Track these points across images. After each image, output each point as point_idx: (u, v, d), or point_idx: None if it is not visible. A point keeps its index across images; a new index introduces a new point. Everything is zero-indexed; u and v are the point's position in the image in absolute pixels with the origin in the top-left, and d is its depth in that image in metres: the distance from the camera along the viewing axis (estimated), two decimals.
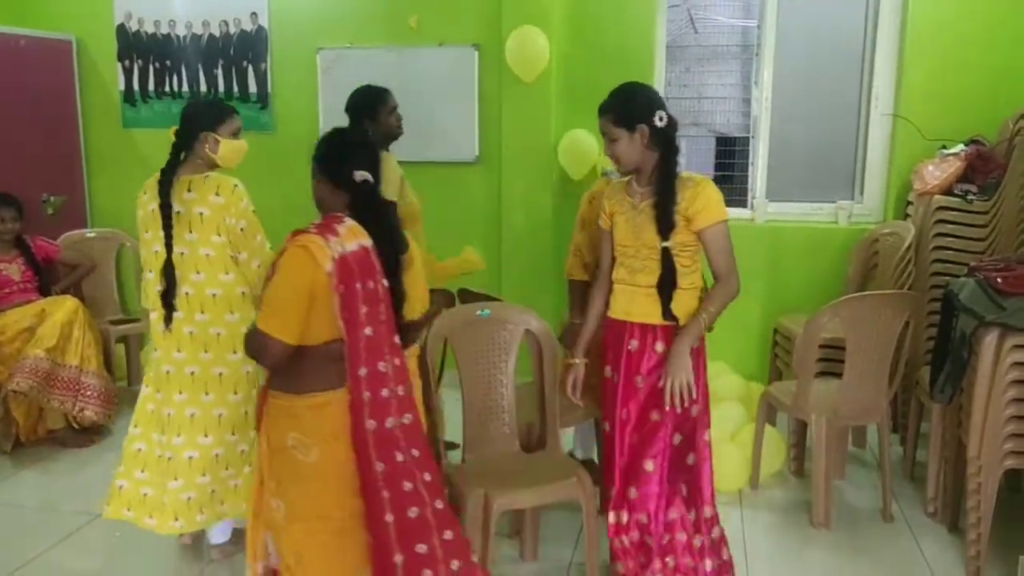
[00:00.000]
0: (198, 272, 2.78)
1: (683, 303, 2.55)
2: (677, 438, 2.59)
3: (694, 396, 2.52)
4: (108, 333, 4.58)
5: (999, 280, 2.83)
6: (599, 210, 2.79)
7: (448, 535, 2.16)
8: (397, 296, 2.18)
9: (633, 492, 2.60)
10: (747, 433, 3.67)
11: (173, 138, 2.84)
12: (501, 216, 4.77)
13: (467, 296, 3.49)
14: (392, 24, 4.85)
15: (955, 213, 3.85)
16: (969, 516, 2.95)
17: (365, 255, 2.08)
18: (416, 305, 2.40)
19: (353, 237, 2.07)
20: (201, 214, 2.75)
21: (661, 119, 2.48)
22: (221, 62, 5.15)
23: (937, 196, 3.91)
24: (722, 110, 9.65)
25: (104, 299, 4.86)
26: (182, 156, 2.83)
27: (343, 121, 4.12)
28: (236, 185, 2.81)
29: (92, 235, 4.96)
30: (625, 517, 2.63)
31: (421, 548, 2.09)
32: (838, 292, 4.13)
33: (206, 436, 2.85)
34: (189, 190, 2.76)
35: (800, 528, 3.35)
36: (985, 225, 3.78)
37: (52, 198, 5.15)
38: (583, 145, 4.56)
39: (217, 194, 2.75)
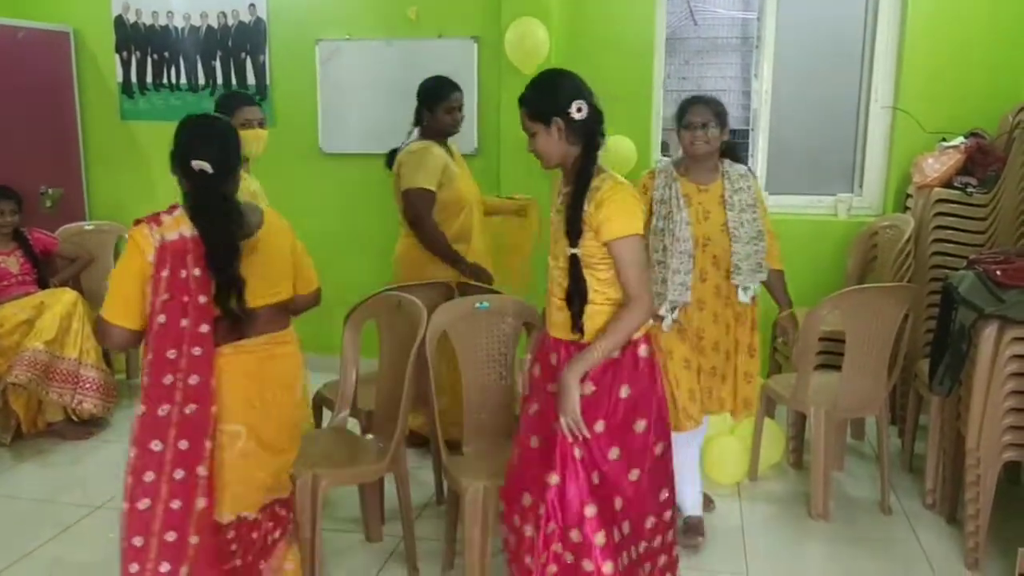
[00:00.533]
0: None
1: (595, 321, 2.26)
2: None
3: (585, 435, 2.21)
4: None
5: (998, 272, 2.84)
6: None
7: (193, 540, 2.10)
8: (224, 285, 2.12)
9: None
10: (746, 426, 3.67)
11: None
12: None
13: (466, 289, 3.49)
14: (391, 16, 4.83)
15: (954, 206, 3.84)
16: (968, 508, 2.96)
17: (183, 244, 2.10)
18: (263, 291, 2.24)
19: (176, 226, 2.11)
20: None
21: (580, 110, 2.25)
22: (219, 54, 5.14)
23: (937, 189, 3.90)
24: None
25: (103, 292, 4.84)
26: None
27: (341, 113, 4.11)
28: None
29: (90, 228, 4.95)
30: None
31: (137, 541, 2.08)
32: (837, 285, 4.13)
33: None
34: None
35: (799, 520, 3.36)
36: (984, 218, 3.78)
37: (50, 191, 5.14)
38: None
39: None
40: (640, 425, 2.30)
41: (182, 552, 2.10)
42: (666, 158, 3.50)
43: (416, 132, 3.72)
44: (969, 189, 3.82)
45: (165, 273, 2.08)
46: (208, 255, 2.10)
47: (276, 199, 3.58)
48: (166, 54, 5.22)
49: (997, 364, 2.80)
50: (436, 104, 3.65)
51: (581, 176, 2.27)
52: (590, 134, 2.30)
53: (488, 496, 2.60)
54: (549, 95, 2.29)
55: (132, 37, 5.25)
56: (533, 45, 4.42)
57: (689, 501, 3.14)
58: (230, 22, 5.08)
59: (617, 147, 4.58)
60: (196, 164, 2.14)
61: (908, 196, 4.26)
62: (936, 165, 3.95)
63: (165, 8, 5.15)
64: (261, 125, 3.38)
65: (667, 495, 2.41)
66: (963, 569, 2.97)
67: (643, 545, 2.35)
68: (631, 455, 2.29)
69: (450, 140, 3.79)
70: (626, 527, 2.31)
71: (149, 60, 5.26)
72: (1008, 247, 3.45)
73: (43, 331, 3.96)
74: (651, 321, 2.40)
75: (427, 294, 3.21)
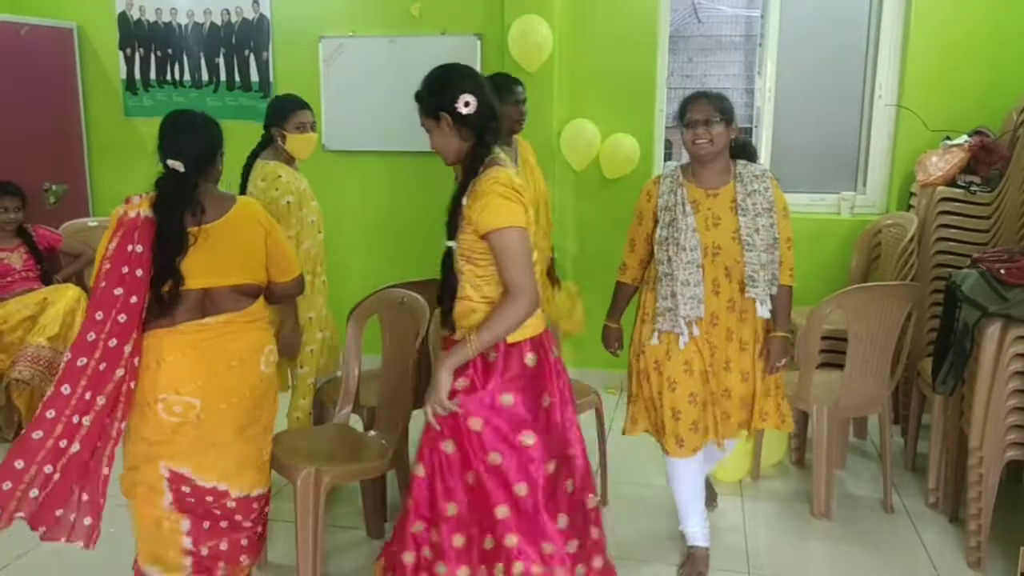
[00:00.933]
0: None
1: (468, 319, 2.24)
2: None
3: (453, 409, 2.19)
4: None
5: (1002, 271, 2.83)
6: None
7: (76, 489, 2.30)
8: (161, 270, 2.29)
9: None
10: None
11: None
12: None
13: None
14: (394, 13, 4.83)
15: (958, 204, 3.84)
16: (970, 507, 2.95)
17: (136, 222, 2.30)
18: (212, 274, 2.38)
19: (138, 206, 2.32)
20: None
21: (467, 104, 2.18)
22: (223, 51, 5.14)
23: (940, 187, 3.89)
24: None
25: None
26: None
27: (344, 110, 4.10)
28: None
29: (94, 224, 4.94)
30: None
31: (18, 464, 2.23)
32: (841, 283, 4.12)
33: None
34: None
35: (801, 518, 3.36)
36: (988, 216, 3.77)
37: (54, 187, 5.14)
38: (586, 135, 4.55)
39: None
40: (528, 438, 2.22)
41: (48, 484, 2.26)
42: (672, 163, 3.39)
43: None
44: (973, 187, 3.81)
45: (113, 245, 2.29)
46: (156, 239, 2.29)
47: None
48: (170, 51, 5.22)
49: (1000, 363, 2.80)
50: (500, 99, 3.50)
51: (466, 171, 2.24)
52: (480, 128, 2.23)
53: None
54: (435, 91, 2.24)
55: (136, 34, 5.25)
56: (536, 42, 4.41)
57: (691, 530, 2.96)
58: (233, 19, 5.08)
59: (620, 145, 4.59)
60: (170, 163, 2.34)
61: (912, 194, 4.25)
62: (940, 163, 3.94)
63: (169, 5, 5.15)
64: (312, 128, 3.40)
65: (568, 522, 2.29)
66: (965, 568, 2.97)
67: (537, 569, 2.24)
68: (516, 467, 2.21)
69: (518, 140, 3.63)
70: (511, 540, 2.21)
71: (153, 57, 5.27)
72: (1012, 246, 3.44)
73: (46, 327, 3.97)
74: (541, 327, 2.30)
75: (430, 291, 3.21)
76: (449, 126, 2.22)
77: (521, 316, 2.17)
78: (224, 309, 2.40)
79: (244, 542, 2.52)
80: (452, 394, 2.20)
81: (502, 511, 2.21)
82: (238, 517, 2.48)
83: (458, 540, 2.23)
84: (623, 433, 3.00)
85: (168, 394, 2.32)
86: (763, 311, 2.75)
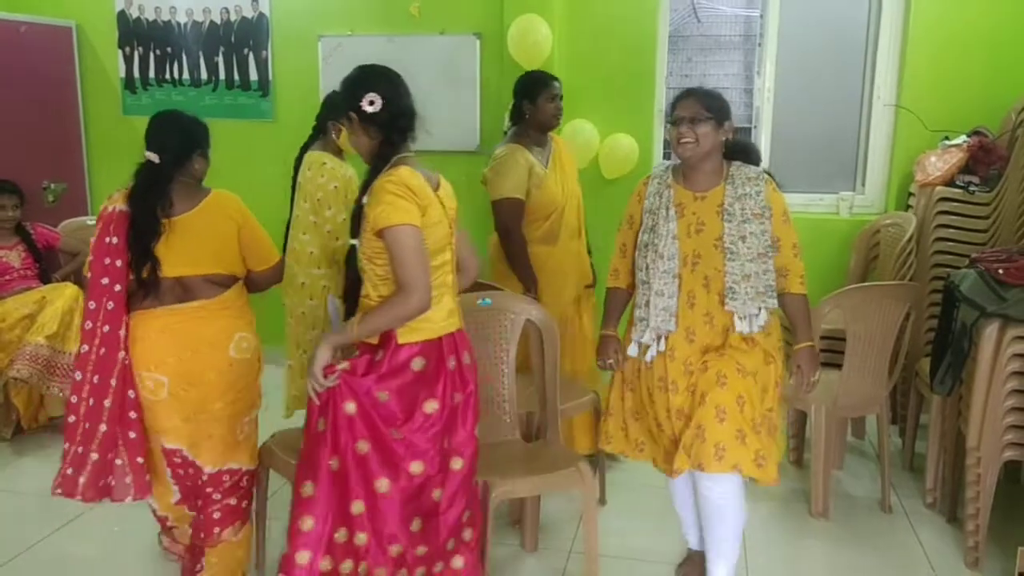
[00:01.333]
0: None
1: None
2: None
3: (322, 384, 2.20)
4: None
5: (1000, 271, 2.83)
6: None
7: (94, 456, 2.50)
8: (137, 256, 2.45)
9: None
10: None
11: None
12: None
13: None
14: (393, 12, 4.83)
15: (957, 204, 3.84)
16: (968, 507, 2.95)
17: (110, 216, 2.48)
18: (184, 263, 2.51)
19: (115, 201, 2.50)
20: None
21: (371, 103, 2.22)
22: (222, 49, 5.14)
23: (939, 187, 3.90)
24: None
25: None
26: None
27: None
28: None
29: (92, 223, 4.92)
30: None
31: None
32: (839, 283, 4.13)
33: None
34: None
35: (799, 518, 3.36)
36: (987, 217, 3.78)
37: (52, 185, 5.14)
38: (584, 135, 4.55)
39: None
40: (396, 434, 2.23)
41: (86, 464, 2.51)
42: (664, 163, 3.32)
43: (511, 132, 3.61)
44: (971, 188, 3.82)
45: (94, 238, 2.49)
46: (130, 229, 2.45)
47: (279, 195, 3.60)
48: (169, 49, 5.22)
49: (998, 363, 2.80)
50: (538, 93, 3.50)
51: (371, 170, 2.27)
52: (388, 127, 2.26)
53: (487, 492, 2.60)
54: (345, 91, 2.31)
55: (135, 32, 5.25)
56: (535, 42, 4.41)
57: (688, 535, 2.91)
58: (232, 18, 5.08)
59: (619, 145, 4.59)
60: (147, 155, 2.53)
61: (910, 194, 4.25)
62: (939, 163, 3.95)
63: (168, 3, 5.15)
64: None
65: (422, 527, 2.30)
66: (963, 568, 2.97)
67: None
68: (381, 462, 2.23)
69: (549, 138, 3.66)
70: (361, 538, 2.24)
71: (152, 55, 5.26)
72: (1010, 246, 3.44)
73: (45, 326, 3.96)
74: (441, 331, 2.28)
75: None
76: (357, 125, 2.27)
77: (406, 313, 2.17)
78: (198, 297, 2.54)
79: (216, 515, 2.62)
80: (331, 371, 2.21)
81: (357, 507, 2.24)
82: (208, 490, 2.61)
83: (306, 523, 2.22)
84: (599, 445, 2.89)
85: (142, 371, 2.50)
86: (742, 326, 2.50)
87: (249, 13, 5.04)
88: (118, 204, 2.49)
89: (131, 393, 2.50)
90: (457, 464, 2.32)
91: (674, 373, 2.54)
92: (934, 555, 3.06)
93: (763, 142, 4.68)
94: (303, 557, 2.21)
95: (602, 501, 3.43)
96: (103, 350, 2.46)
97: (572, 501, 3.34)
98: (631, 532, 3.23)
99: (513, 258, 3.53)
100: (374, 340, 2.25)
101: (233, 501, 2.66)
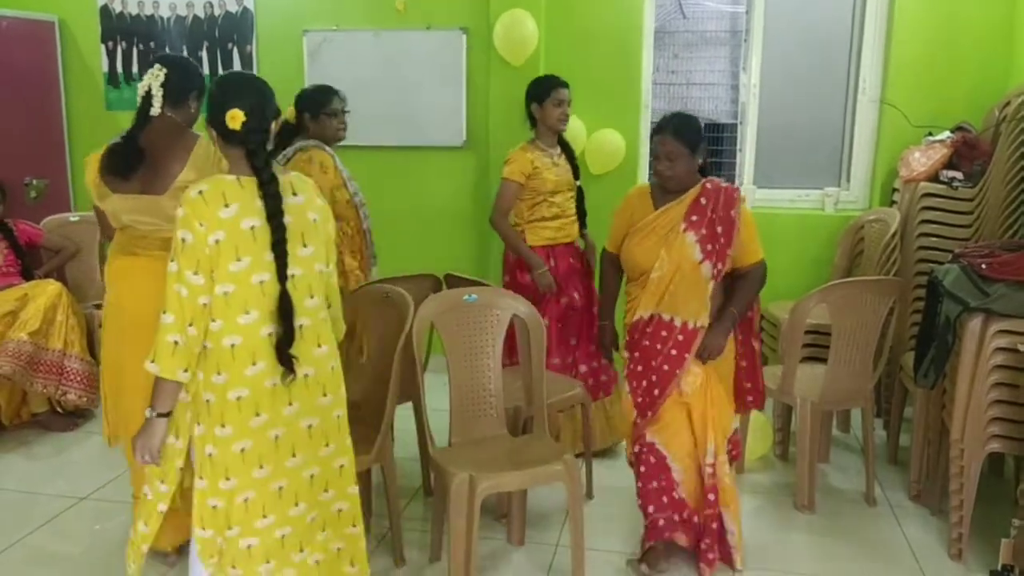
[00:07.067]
0: (312, 296, 2.23)
1: None
2: None
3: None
4: (91, 317, 4.53)
5: (983, 266, 2.85)
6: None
7: None
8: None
9: None
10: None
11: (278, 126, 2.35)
12: (489, 201, 4.74)
13: (454, 281, 3.48)
14: (379, 7, 4.81)
15: (941, 200, 3.86)
16: (952, 499, 2.98)
17: None
18: None
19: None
20: (314, 221, 2.24)
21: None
22: (206, 44, 5.10)
23: (923, 183, 3.92)
24: (710, 96, 9.64)
25: (87, 283, 4.81)
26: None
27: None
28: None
29: (75, 219, 4.90)
30: None
31: None
32: (824, 278, 4.15)
33: (326, 491, 2.34)
34: (294, 193, 2.21)
35: (784, 511, 3.37)
36: (970, 212, 3.80)
37: (35, 181, 5.09)
38: (571, 131, 4.52)
39: (318, 196, 2.30)
40: None
41: None
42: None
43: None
44: (955, 183, 3.84)
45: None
46: None
47: None
48: (152, 44, 5.18)
49: (981, 357, 2.82)
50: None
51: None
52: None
53: (474, 486, 2.60)
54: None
55: (118, 27, 5.21)
56: (522, 37, 4.41)
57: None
58: (216, 12, 5.04)
59: (606, 141, 4.59)
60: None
61: (895, 190, 4.27)
62: (923, 159, 3.97)
63: None
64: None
65: None
66: (947, 560, 2.99)
67: None
68: None
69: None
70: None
71: (135, 50, 5.22)
72: (993, 241, 3.47)
73: (27, 323, 3.92)
74: None
75: (415, 286, 3.21)
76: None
77: None
78: None
79: None
80: None
81: None
82: None
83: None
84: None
85: None
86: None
87: (233, 8, 5.01)
88: None
89: None
90: None
91: None
92: (918, 547, 3.09)
93: (748, 138, 4.70)
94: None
95: (589, 495, 3.43)
96: None
97: (558, 495, 3.34)
98: (617, 526, 3.23)
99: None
100: None
101: None
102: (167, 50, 5.15)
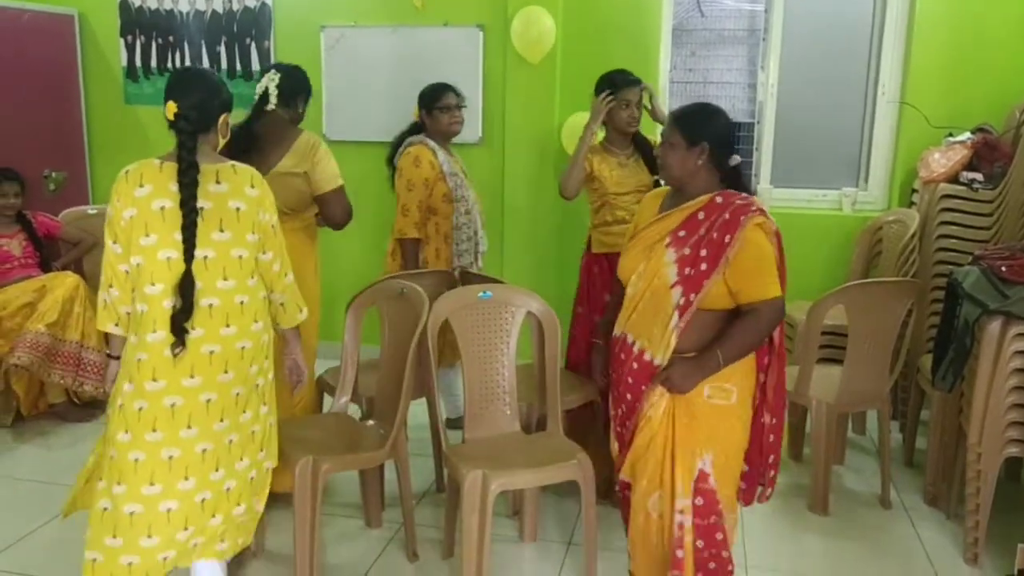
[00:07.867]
0: (227, 279, 2.34)
1: None
2: None
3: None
4: None
5: (1003, 269, 2.83)
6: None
7: None
8: None
9: None
10: None
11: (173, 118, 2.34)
12: (504, 198, 4.76)
13: (468, 278, 3.49)
14: (397, 3, 4.81)
15: (960, 201, 3.83)
16: (968, 503, 2.96)
17: None
18: None
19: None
20: (238, 209, 2.35)
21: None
22: (224, 39, 5.12)
23: (942, 184, 3.89)
24: (728, 95, 9.61)
25: None
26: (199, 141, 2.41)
27: (345, 100, 4.08)
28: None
29: (93, 212, 4.93)
30: None
31: None
32: (841, 279, 4.12)
33: (217, 470, 2.37)
34: (218, 181, 2.33)
35: (798, 513, 3.36)
36: (990, 214, 3.77)
37: (54, 174, 5.13)
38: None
39: (252, 186, 2.39)
40: None
41: None
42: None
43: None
44: (975, 185, 3.81)
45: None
46: None
47: None
48: (171, 38, 5.21)
49: (1000, 360, 2.80)
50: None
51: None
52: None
53: (487, 484, 2.60)
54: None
55: (137, 21, 5.23)
56: (539, 34, 4.40)
57: None
58: (235, 7, 5.06)
59: None
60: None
61: (914, 191, 4.24)
62: (942, 160, 3.94)
63: None
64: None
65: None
66: (962, 564, 2.97)
67: None
68: None
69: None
70: None
71: (154, 44, 5.25)
72: (1014, 243, 3.43)
73: (45, 314, 3.96)
74: None
75: (430, 282, 3.21)
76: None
77: None
78: None
79: None
80: None
81: None
82: None
83: None
84: None
85: None
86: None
87: (251, 3, 5.03)
88: None
89: None
90: None
91: None
92: (933, 551, 3.06)
93: (766, 137, 4.67)
94: None
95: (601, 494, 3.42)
96: None
97: (574, 492, 3.34)
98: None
99: None
100: None
101: None
102: (185, 44, 5.18)
